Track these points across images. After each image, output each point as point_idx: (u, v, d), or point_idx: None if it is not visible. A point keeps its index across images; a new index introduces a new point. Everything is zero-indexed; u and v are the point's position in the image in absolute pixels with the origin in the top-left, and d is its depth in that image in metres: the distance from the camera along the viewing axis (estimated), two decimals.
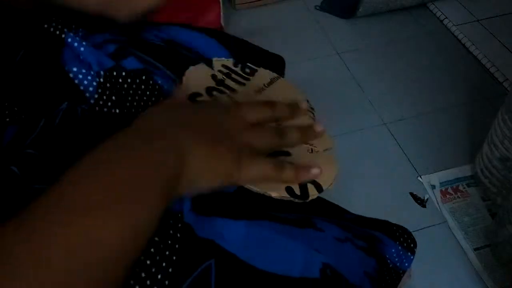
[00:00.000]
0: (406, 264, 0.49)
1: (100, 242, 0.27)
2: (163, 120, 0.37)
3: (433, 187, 1.12)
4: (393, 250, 0.47)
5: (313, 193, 0.42)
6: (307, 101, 0.53)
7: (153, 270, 0.35)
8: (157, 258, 0.35)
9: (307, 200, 0.42)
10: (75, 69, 0.43)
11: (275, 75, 0.55)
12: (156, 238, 0.36)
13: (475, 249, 1.02)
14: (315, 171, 0.40)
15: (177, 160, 0.33)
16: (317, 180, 0.43)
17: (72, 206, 0.28)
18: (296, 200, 0.41)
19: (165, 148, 0.33)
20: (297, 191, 0.42)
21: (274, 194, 0.41)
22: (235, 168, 0.36)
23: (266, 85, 0.53)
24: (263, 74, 0.54)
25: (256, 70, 0.54)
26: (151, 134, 0.34)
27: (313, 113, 0.53)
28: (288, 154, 0.45)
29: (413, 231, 0.51)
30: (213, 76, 0.50)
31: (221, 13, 1.34)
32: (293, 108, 0.43)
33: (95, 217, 0.28)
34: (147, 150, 0.33)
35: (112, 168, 0.31)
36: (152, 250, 0.35)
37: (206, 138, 0.36)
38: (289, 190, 0.41)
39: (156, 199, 0.31)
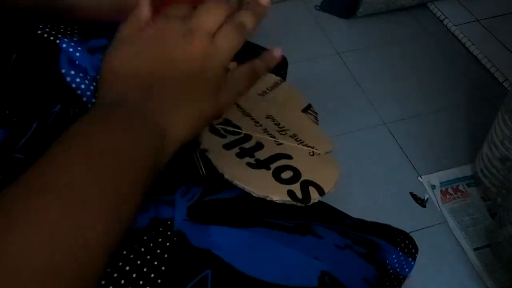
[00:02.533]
0: (407, 270, 0.49)
1: (82, 225, 0.26)
2: (125, 88, 0.34)
3: (433, 187, 1.12)
4: (393, 256, 0.47)
5: (314, 196, 0.42)
6: (310, 105, 0.53)
7: (141, 282, 0.34)
8: (145, 269, 0.35)
9: (309, 204, 0.42)
10: (72, 72, 0.43)
11: (278, 78, 0.55)
12: (143, 249, 0.35)
13: (475, 249, 1.02)
14: (276, 52, 0.41)
15: (158, 127, 0.33)
16: (319, 183, 0.43)
17: (51, 184, 0.27)
18: (298, 204, 0.41)
19: (141, 122, 0.32)
20: (299, 194, 0.42)
21: (276, 198, 0.41)
22: (214, 106, 0.36)
23: (269, 89, 0.53)
24: (266, 78, 0.54)
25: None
26: (121, 112, 0.33)
27: (316, 118, 0.53)
28: (289, 157, 0.45)
29: (413, 231, 0.51)
30: None
31: None
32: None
33: (76, 197, 0.27)
34: (126, 121, 0.32)
35: (92, 143, 0.30)
36: (138, 262, 0.35)
37: (178, 93, 0.34)
38: (290, 193, 0.42)
39: (147, 174, 0.31)
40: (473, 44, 1.46)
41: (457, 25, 1.53)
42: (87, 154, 0.29)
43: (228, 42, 0.36)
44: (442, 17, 1.56)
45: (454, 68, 1.42)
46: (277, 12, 1.57)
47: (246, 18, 0.38)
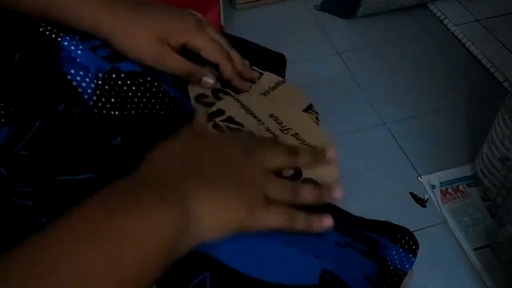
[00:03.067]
0: (407, 266, 0.49)
1: None
2: (174, 166, 0.35)
3: (433, 187, 1.12)
4: (394, 252, 0.47)
5: None
6: (311, 105, 0.54)
7: None
8: None
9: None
10: (72, 71, 0.43)
11: (280, 78, 0.55)
12: None
13: (475, 249, 1.02)
14: (327, 221, 0.39)
15: (183, 218, 0.32)
16: (320, 181, 0.44)
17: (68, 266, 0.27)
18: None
19: (171, 205, 0.32)
20: None
21: None
22: (248, 219, 0.36)
23: (271, 88, 0.53)
24: (268, 78, 0.55)
25: (262, 74, 0.55)
26: (158, 187, 0.32)
27: (317, 118, 0.53)
28: None
29: (413, 231, 0.51)
30: (219, 78, 0.50)
31: (221, 13, 1.34)
32: (317, 155, 0.42)
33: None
34: (151, 206, 0.31)
35: (108, 226, 0.29)
36: None
37: (220, 191, 0.35)
38: None
39: (156, 262, 0.30)
40: (473, 44, 1.46)
41: (457, 25, 1.53)
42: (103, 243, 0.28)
43: (277, 194, 0.38)
44: (442, 17, 1.56)
45: (454, 68, 1.42)
46: (277, 12, 1.57)
47: (306, 193, 0.40)
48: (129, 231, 0.29)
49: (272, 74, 0.56)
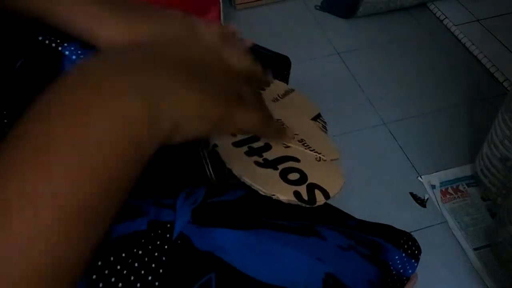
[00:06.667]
0: (410, 271, 0.49)
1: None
2: (135, 56, 0.29)
3: (433, 187, 1.13)
4: (396, 257, 0.47)
5: (320, 199, 0.43)
6: (320, 114, 0.54)
7: (138, 285, 0.34)
8: (142, 272, 0.35)
9: (314, 205, 0.42)
10: None
11: (289, 87, 0.56)
12: (140, 251, 0.35)
13: (475, 249, 1.02)
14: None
15: (147, 109, 0.26)
16: (324, 187, 0.44)
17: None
18: (303, 205, 0.42)
19: (133, 101, 0.26)
20: (304, 196, 0.42)
21: (282, 197, 0.41)
22: (225, 116, 0.32)
23: (281, 96, 0.54)
24: (278, 85, 0.55)
25: (272, 81, 0.54)
26: (102, 82, 0.26)
27: (325, 126, 0.53)
28: (297, 160, 0.46)
29: (413, 231, 0.51)
30: None
31: (221, 13, 1.34)
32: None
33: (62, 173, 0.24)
34: (101, 102, 0.25)
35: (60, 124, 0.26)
36: (136, 264, 0.35)
37: (189, 78, 0.29)
38: (297, 194, 0.42)
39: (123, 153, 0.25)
40: (473, 44, 1.46)
41: (457, 25, 1.53)
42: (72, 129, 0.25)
43: (248, 96, 0.35)
44: (442, 17, 1.57)
45: (454, 68, 1.42)
46: (277, 12, 1.57)
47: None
48: (92, 133, 0.25)
49: (281, 82, 0.56)
